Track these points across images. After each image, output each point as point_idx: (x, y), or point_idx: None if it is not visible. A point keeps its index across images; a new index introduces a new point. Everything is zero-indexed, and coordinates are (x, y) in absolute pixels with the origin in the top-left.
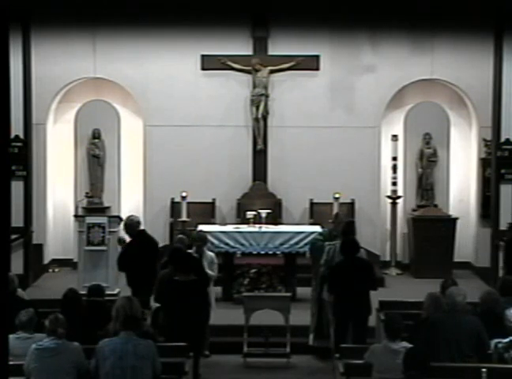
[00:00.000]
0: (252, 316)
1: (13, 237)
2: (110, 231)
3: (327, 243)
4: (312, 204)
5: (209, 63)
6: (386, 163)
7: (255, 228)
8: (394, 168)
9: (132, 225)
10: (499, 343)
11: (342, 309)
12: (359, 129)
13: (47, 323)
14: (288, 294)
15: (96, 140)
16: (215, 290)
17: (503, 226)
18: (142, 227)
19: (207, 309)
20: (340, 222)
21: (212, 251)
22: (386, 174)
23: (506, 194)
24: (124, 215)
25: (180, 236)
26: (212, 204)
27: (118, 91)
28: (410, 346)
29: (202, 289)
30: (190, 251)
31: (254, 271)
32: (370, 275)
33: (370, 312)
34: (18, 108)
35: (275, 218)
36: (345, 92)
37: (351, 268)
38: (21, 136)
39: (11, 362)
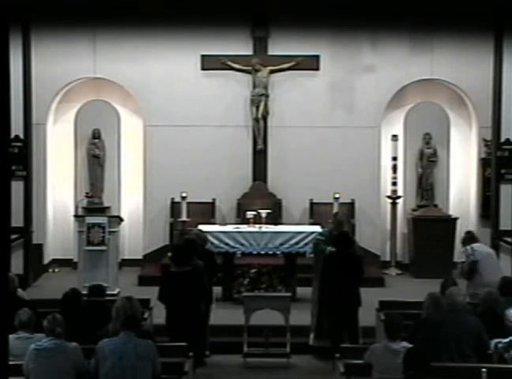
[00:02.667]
0: (252, 316)
1: (13, 237)
2: (110, 231)
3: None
4: (312, 204)
5: (209, 63)
6: (386, 163)
7: (255, 228)
8: (394, 168)
9: None
10: (499, 343)
11: (333, 304)
12: (359, 129)
13: (45, 323)
14: (288, 294)
15: (96, 140)
16: (215, 290)
17: (503, 226)
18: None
19: (205, 300)
20: (339, 222)
21: (212, 251)
22: (386, 174)
23: (506, 194)
24: (124, 215)
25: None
26: (212, 204)
27: (118, 91)
28: (410, 346)
29: (198, 280)
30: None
31: (254, 271)
32: (358, 270)
33: (360, 304)
34: (18, 108)
35: (275, 218)
36: (345, 92)
37: (341, 261)
38: (21, 136)
39: (11, 362)
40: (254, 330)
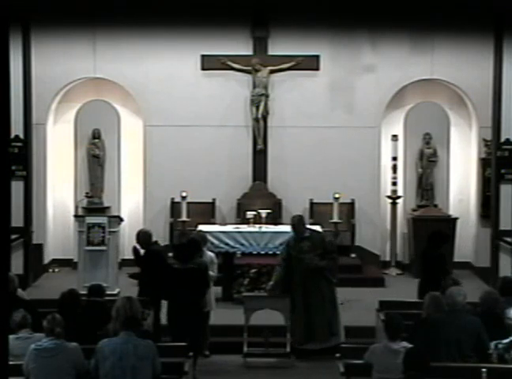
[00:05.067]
0: (252, 316)
1: (13, 237)
2: (110, 231)
3: None
4: (312, 204)
5: (209, 63)
6: (386, 163)
7: (255, 228)
8: (394, 168)
9: None
10: (499, 343)
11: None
12: (359, 129)
13: (44, 323)
14: (288, 294)
15: (96, 140)
16: (215, 290)
17: (503, 226)
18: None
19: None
20: (292, 225)
21: (212, 251)
22: (386, 174)
23: (506, 194)
24: (124, 215)
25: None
26: (212, 204)
27: (118, 91)
28: (410, 346)
29: (200, 276)
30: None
31: (254, 271)
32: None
33: None
34: (18, 108)
35: (275, 218)
36: (345, 92)
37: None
38: (21, 136)
39: (11, 362)
40: (254, 330)
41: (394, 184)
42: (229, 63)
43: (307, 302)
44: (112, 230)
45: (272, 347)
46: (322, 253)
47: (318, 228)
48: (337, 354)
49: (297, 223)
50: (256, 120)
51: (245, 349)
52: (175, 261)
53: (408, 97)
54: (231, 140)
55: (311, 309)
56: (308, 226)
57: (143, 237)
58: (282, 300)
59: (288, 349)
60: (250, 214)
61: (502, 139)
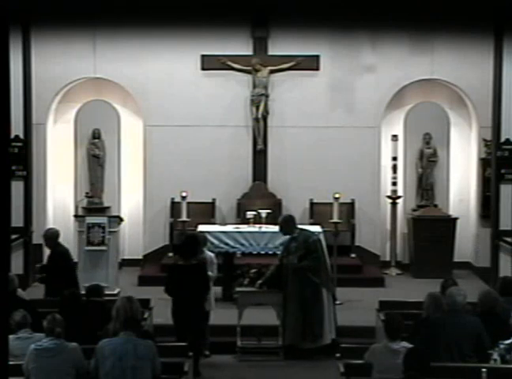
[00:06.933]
0: (248, 315)
1: (13, 237)
2: (110, 231)
3: None
4: (312, 204)
5: (209, 63)
6: (386, 163)
7: (255, 228)
8: (394, 168)
9: None
10: (500, 344)
11: None
12: (359, 129)
13: (45, 323)
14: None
15: (96, 140)
16: (215, 291)
17: (503, 226)
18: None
19: (206, 293)
20: (280, 225)
21: (212, 251)
22: (386, 174)
23: (506, 194)
24: (124, 215)
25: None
26: (212, 204)
27: (118, 91)
28: (410, 346)
29: (203, 273)
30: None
31: (254, 271)
32: None
33: None
34: (18, 108)
35: (275, 218)
36: (345, 92)
37: None
38: (21, 136)
39: (11, 362)
40: (248, 328)
41: (394, 184)
42: (229, 63)
43: (286, 302)
44: (112, 230)
45: (267, 341)
46: (305, 254)
47: (317, 228)
48: (337, 354)
49: (282, 222)
50: (256, 120)
51: (238, 343)
52: (178, 258)
53: (408, 97)
54: (231, 140)
55: (287, 309)
56: (301, 226)
57: (50, 237)
58: (275, 295)
59: (280, 342)
60: (250, 214)
61: (502, 139)
